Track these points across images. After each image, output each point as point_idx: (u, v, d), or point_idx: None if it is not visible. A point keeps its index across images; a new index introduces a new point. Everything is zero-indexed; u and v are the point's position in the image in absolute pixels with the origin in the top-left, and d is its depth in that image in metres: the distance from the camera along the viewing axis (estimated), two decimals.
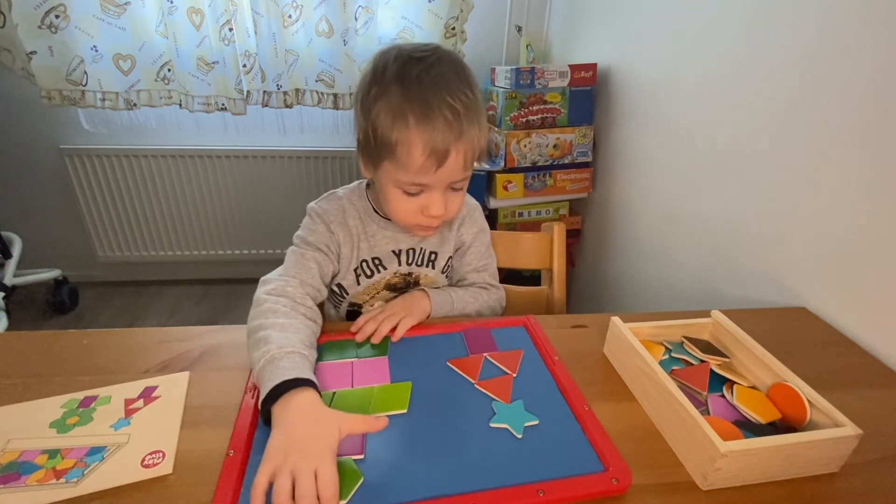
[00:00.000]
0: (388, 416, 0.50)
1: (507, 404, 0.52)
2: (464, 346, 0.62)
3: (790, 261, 0.79)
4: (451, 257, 0.75)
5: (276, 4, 1.52)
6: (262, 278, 0.62)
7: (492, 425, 0.49)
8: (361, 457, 0.45)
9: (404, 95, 0.55)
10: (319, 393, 0.48)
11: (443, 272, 0.74)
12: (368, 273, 0.71)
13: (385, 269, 0.71)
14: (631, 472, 0.43)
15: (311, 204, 0.71)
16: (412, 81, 0.56)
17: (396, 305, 0.66)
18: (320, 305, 0.81)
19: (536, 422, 0.49)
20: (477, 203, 0.78)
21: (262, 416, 0.47)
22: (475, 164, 0.63)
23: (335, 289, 0.72)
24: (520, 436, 0.48)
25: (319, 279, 0.66)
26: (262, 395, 0.47)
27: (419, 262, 0.73)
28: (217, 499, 0.40)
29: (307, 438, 0.42)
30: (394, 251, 0.71)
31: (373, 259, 0.70)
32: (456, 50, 1.69)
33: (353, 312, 0.74)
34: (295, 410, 0.45)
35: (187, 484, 0.42)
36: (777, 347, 0.53)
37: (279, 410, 0.45)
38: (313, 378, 0.49)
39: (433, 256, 0.73)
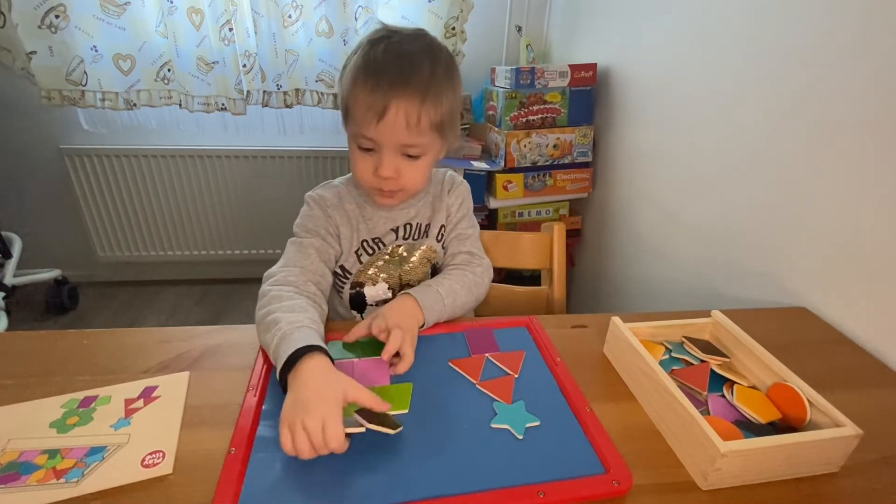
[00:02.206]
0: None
1: (508, 405, 0.52)
2: (465, 346, 0.62)
3: (790, 261, 0.79)
4: (443, 225, 0.77)
5: (276, 4, 1.52)
6: (266, 273, 0.64)
7: (493, 426, 0.49)
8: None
9: (364, 59, 0.61)
10: (332, 360, 0.51)
11: (437, 240, 0.77)
12: (370, 252, 0.74)
13: (385, 245, 0.74)
14: (632, 474, 0.43)
15: (309, 192, 0.74)
16: (376, 50, 0.60)
17: (395, 317, 0.60)
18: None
19: (538, 423, 0.49)
20: (464, 180, 0.80)
21: (282, 388, 0.50)
22: (441, 145, 0.66)
23: (338, 271, 0.74)
24: (521, 437, 0.48)
25: (321, 264, 0.68)
26: (279, 368, 0.50)
27: (416, 236, 0.76)
28: (218, 496, 0.40)
29: (314, 398, 0.46)
30: (392, 228, 0.74)
31: (373, 239, 0.73)
32: (456, 50, 1.69)
33: (357, 296, 0.75)
34: (307, 375, 0.48)
35: (187, 484, 0.42)
36: (777, 347, 0.54)
37: (292, 377, 0.49)
38: (323, 345, 0.52)
39: (426, 227, 0.76)
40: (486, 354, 0.60)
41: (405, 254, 0.75)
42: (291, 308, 0.57)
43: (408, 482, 0.42)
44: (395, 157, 0.63)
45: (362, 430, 0.45)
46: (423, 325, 0.64)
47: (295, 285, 0.62)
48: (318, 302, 0.63)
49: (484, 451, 0.46)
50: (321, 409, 0.44)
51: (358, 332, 0.61)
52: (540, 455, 0.46)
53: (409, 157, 0.63)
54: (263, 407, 0.51)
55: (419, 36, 0.64)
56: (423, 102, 0.60)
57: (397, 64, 0.59)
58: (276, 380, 0.51)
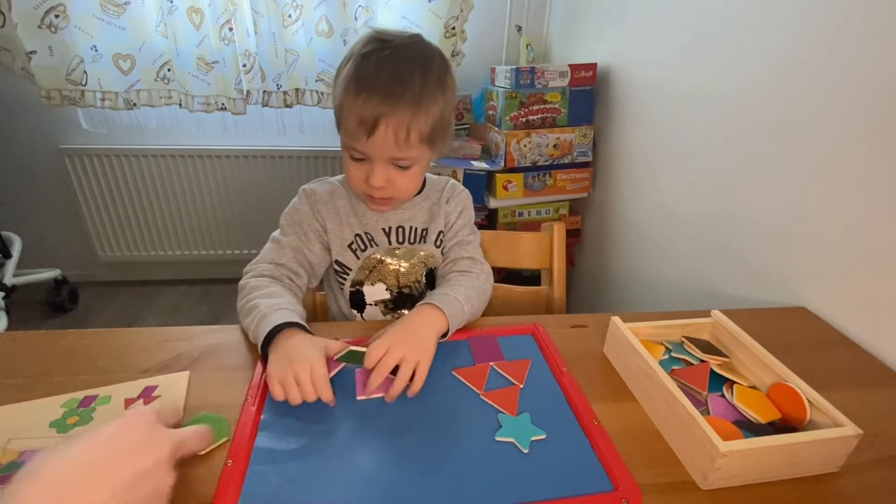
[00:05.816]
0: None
1: (513, 417, 0.50)
2: (470, 354, 0.60)
3: (790, 261, 0.79)
4: (441, 231, 0.77)
5: (276, 4, 1.52)
6: (244, 269, 0.68)
7: (497, 439, 0.47)
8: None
9: (355, 69, 0.60)
10: (310, 333, 0.56)
11: (436, 245, 0.76)
12: (362, 247, 0.74)
13: (376, 245, 0.74)
14: (641, 491, 0.42)
15: (304, 185, 0.76)
16: (367, 58, 0.60)
17: (404, 344, 0.54)
18: (321, 295, 0.85)
19: (543, 436, 0.48)
20: (465, 189, 0.81)
21: (263, 361, 0.54)
22: (428, 153, 0.66)
23: (337, 268, 0.74)
24: (526, 451, 0.46)
25: (296, 264, 0.70)
26: (260, 344, 0.55)
27: (411, 240, 0.75)
28: None
29: (297, 351, 0.51)
30: (383, 229, 0.74)
31: (365, 233, 0.74)
32: (456, 50, 1.69)
33: (357, 294, 0.75)
34: (286, 340, 0.53)
35: (187, 484, 0.42)
36: (777, 347, 0.53)
37: (273, 346, 0.53)
38: (302, 322, 0.57)
39: (424, 232, 0.76)
40: (491, 363, 0.58)
41: (403, 257, 0.75)
42: (268, 294, 0.61)
43: (408, 497, 0.41)
44: (386, 167, 0.64)
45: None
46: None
47: (270, 277, 0.66)
48: (293, 292, 0.66)
49: (487, 465, 0.44)
50: (306, 357, 0.50)
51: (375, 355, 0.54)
52: (546, 470, 0.44)
53: (400, 167, 0.64)
54: (262, 417, 0.49)
55: (411, 44, 0.63)
56: (413, 117, 0.60)
57: (388, 78, 0.59)
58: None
